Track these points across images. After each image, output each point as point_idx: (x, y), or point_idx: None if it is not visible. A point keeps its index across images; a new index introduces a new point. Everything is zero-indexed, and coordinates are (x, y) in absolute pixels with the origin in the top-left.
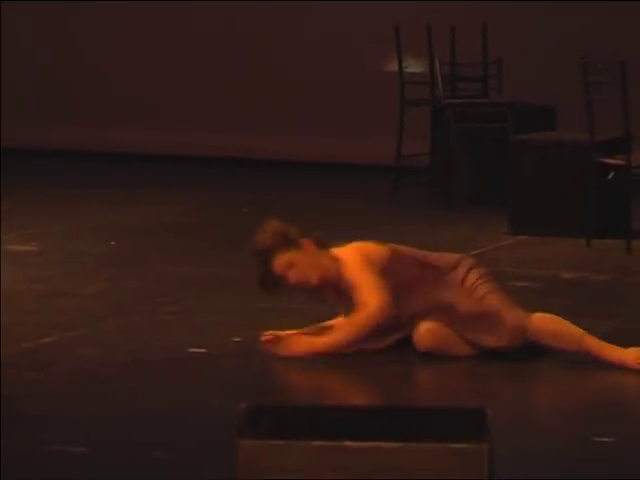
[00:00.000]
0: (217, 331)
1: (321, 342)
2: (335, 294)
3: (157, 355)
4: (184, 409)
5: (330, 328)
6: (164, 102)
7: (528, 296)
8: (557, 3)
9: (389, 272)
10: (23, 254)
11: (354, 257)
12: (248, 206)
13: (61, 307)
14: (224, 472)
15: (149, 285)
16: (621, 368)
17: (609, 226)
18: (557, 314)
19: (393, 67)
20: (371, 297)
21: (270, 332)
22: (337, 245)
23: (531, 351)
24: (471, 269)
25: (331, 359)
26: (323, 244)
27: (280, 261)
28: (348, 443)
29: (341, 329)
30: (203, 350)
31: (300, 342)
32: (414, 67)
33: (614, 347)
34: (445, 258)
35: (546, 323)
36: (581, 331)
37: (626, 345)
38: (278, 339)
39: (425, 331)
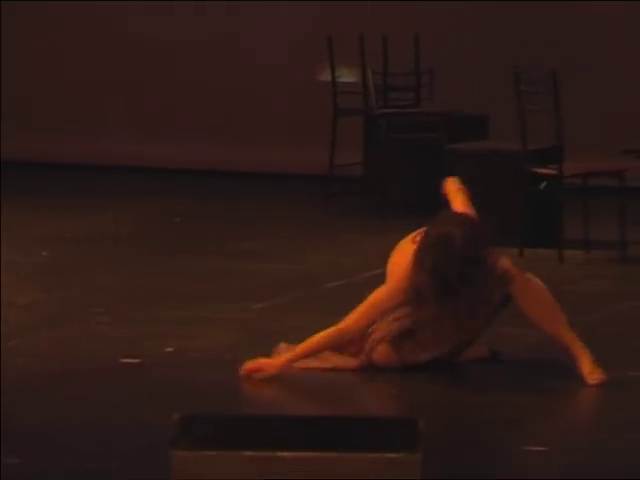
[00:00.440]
0: (151, 341)
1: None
2: None
3: (91, 365)
4: (118, 419)
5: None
6: (100, 112)
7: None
8: (489, 13)
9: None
10: None
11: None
12: (182, 216)
13: None
14: None
15: (84, 295)
16: (577, 375)
17: (541, 235)
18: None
19: (326, 77)
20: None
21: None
22: None
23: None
24: None
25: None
26: None
27: None
28: (281, 453)
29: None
30: (137, 360)
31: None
32: (347, 77)
33: (587, 354)
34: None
35: (538, 292)
36: (565, 320)
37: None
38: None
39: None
